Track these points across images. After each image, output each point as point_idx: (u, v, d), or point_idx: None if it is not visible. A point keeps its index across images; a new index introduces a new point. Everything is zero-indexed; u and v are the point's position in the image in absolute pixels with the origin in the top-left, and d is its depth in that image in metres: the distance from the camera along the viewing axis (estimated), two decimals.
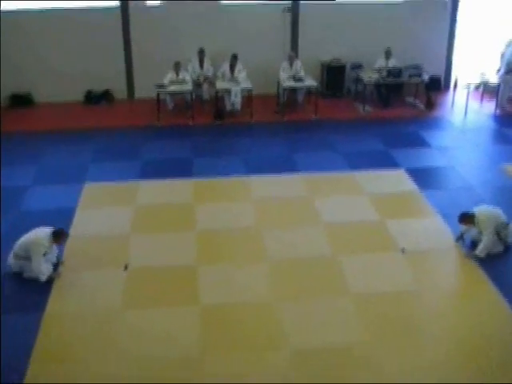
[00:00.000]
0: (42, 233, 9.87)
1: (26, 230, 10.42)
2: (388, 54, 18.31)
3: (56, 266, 9.99)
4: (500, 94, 17.80)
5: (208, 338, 8.43)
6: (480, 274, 9.82)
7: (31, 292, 9.45)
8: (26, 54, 18.07)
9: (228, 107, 17.45)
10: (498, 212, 10.50)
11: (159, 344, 8.34)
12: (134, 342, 8.38)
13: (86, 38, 18.19)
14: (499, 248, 10.40)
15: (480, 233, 10.36)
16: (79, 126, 16.81)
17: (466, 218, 10.40)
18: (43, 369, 7.88)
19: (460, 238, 10.68)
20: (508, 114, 17.68)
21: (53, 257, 10.10)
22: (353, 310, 9.01)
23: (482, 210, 10.45)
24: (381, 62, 18.33)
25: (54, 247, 10.13)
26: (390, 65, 18.16)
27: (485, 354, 8.13)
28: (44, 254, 9.72)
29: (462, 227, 10.63)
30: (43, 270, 9.63)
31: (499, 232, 10.36)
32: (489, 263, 10.09)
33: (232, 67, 17.74)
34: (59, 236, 9.95)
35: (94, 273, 10.00)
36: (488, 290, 9.44)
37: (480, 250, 10.19)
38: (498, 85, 17.78)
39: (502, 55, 18.43)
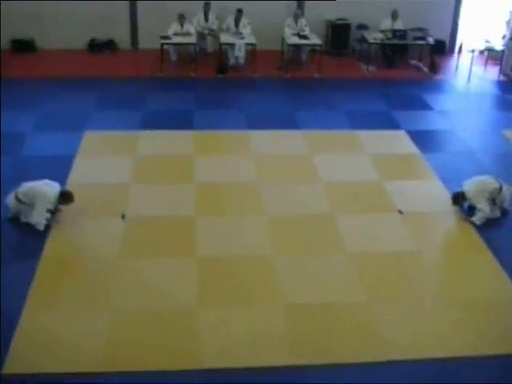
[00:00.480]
0: (52, 189, 9.79)
1: (26, 175, 10.46)
2: (394, 16, 18.17)
3: (54, 212, 10.00)
4: (504, 60, 17.73)
5: (204, 290, 8.46)
6: (476, 238, 9.86)
7: (28, 237, 9.48)
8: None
9: (231, 61, 17.39)
10: (487, 181, 10.49)
11: (154, 294, 8.37)
12: (129, 292, 8.40)
13: None
14: (496, 213, 10.43)
15: (475, 204, 10.38)
16: (82, 73, 16.73)
17: (458, 197, 10.44)
18: (36, 317, 7.87)
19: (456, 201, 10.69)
20: (511, 80, 17.61)
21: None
22: (349, 269, 9.05)
23: (469, 186, 10.40)
24: (387, 23, 18.21)
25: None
26: (395, 27, 18.04)
27: (480, 315, 8.20)
28: (47, 210, 9.74)
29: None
30: (43, 220, 9.66)
31: (494, 199, 10.39)
32: (485, 228, 10.12)
33: (237, 21, 17.63)
34: (66, 198, 9.92)
35: (91, 221, 10.01)
36: (483, 254, 9.49)
37: (477, 218, 10.22)
38: (503, 51, 17.70)
39: (508, 22, 18.36)
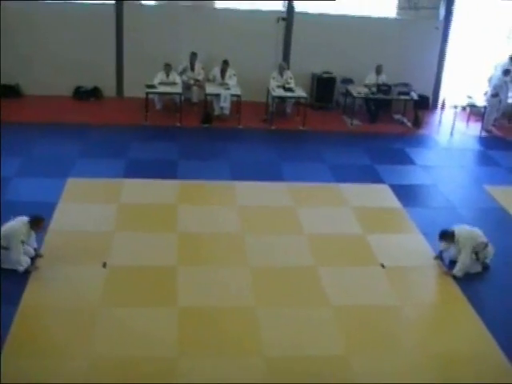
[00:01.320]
0: (20, 221, 9.81)
1: (5, 220, 10.37)
2: (379, 70, 18.40)
3: (34, 258, 9.93)
4: (486, 116, 17.94)
5: (184, 340, 8.41)
6: (457, 292, 9.90)
7: (7, 284, 9.36)
8: (16, 44, 17.94)
9: (217, 111, 17.47)
10: (477, 233, 10.57)
11: (134, 343, 8.31)
12: (109, 341, 8.34)
13: (79, 34, 18.12)
14: (477, 268, 10.48)
15: (459, 251, 10.43)
16: (66, 120, 16.72)
17: (446, 235, 10.49)
18: (14, 364, 7.79)
19: (439, 256, 10.76)
20: (493, 137, 17.83)
21: (31, 248, 10.04)
22: (330, 322, 9.03)
23: (461, 229, 10.52)
24: (371, 78, 18.42)
25: (33, 236, 10.07)
26: (380, 81, 18.25)
27: (460, 369, 8.26)
28: (22, 242, 9.66)
29: (442, 245, 10.71)
30: (22, 260, 9.59)
31: (478, 252, 10.45)
32: (466, 282, 10.18)
33: (223, 72, 17.79)
34: (36, 222, 9.89)
35: (73, 268, 9.94)
36: (464, 308, 9.52)
37: (457, 270, 10.27)
38: (485, 107, 17.93)
39: (490, 79, 18.65)
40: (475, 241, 10.41)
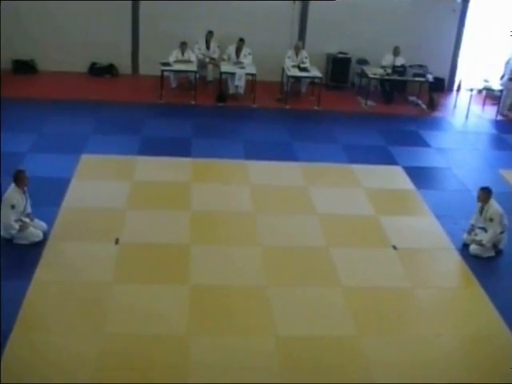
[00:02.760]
0: (11, 187, 9.85)
1: None
2: (396, 52, 18.28)
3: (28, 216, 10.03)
4: (502, 100, 17.84)
5: (195, 318, 8.44)
6: (469, 275, 9.89)
7: (20, 260, 9.45)
8: (32, 20, 17.97)
9: (231, 90, 17.44)
10: (504, 216, 10.60)
11: (145, 321, 8.34)
12: (120, 318, 8.38)
13: (95, 10, 18.09)
14: (490, 253, 10.46)
15: (487, 221, 10.47)
16: (82, 96, 16.76)
17: (486, 192, 10.51)
18: (27, 336, 7.86)
19: (471, 230, 10.77)
20: (508, 121, 17.72)
21: (43, 223, 10.11)
22: (341, 303, 9.04)
23: (495, 203, 10.57)
24: (388, 59, 18.31)
25: (28, 201, 10.04)
26: (397, 62, 18.13)
27: (470, 350, 8.27)
28: (13, 206, 9.68)
29: (472, 219, 10.77)
30: (13, 224, 9.64)
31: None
32: (478, 265, 10.17)
33: (238, 51, 17.73)
34: (18, 178, 9.85)
35: (85, 245, 10.00)
36: (476, 291, 9.51)
37: (487, 240, 10.34)
38: (501, 91, 17.82)
39: (507, 62, 18.48)
40: (503, 218, 10.46)
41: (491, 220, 10.39)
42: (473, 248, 10.43)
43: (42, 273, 9.14)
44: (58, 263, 9.48)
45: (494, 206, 10.47)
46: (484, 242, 10.34)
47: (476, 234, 10.62)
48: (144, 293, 8.91)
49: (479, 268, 10.10)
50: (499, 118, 17.78)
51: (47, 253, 9.63)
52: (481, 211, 10.62)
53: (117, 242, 10.04)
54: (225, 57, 17.88)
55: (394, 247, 10.51)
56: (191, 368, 7.57)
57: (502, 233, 10.54)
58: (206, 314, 8.55)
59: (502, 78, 18.23)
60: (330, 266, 9.89)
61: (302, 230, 10.93)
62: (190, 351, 7.86)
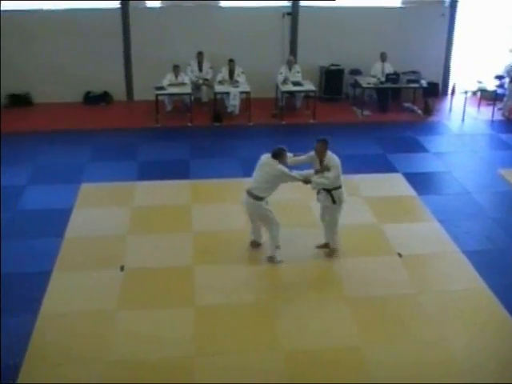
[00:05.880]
0: None
1: (22, 229, 10.44)
2: (383, 58, 18.31)
3: None
4: (505, 101, 17.97)
5: (201, 340, 8.43)
6: (477, 280, 9.85)
7: (26, 291, 9.44)
8: (25, 54, 18.06)
9: (229, 109, 17.43)
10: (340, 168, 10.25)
11: (152, 345, 8.33)
12: (128, 343, 8.39)
13: (86, 39, 18.18)
14: (326, 201, 10.31)
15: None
16: (77, 126, 16.78)
17: (322, 143, 10.36)
18: (36, 370, 7.87)
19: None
20: (505, 120, 17.73)
21: None
22: (347, 313, 9.02)
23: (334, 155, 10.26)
24: (377, 67, 18.34)
25: None
26: (386, 69, 18.17)
27: (477, 356, 8.19)
28: None
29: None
30: None
31: None
32: (486, 269, 10.12)
33: (231, 72, 17.75)
34: None
35: (90, 273, 9.99)
36: (484, 296, 9.47)
37: (327, 177, 10.04)
38: (495, 91, 17.90)
39: (508, 65, 18.57)
40: (339, 170, 10.15)
41: (329, 170, 10.05)
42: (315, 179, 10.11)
43: (49, 305, 9.13)
44: (63, 294, 9.45)
45: (332, 157, 10.14)
46: (325, 177, 10.01)
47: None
48: (149, 318, 8.91)
49: (486, 270, 10.07)
50: (496, 118, 17.75)
51: (53, 284, 9.62)
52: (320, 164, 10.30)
53: (122, 268, 10.04)
54: (219, 80, 17.83)
55: (399, 255, 10.48)
56: None
57: (339, 188, 10.24)
58: (213, 335, 8.55)
59: (500, 78, 18.30)
60: (334, 277, 9.91)
61: (304, 241, 10.91)
62: (197, 373, 7.86)
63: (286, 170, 10.04)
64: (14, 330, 8.50)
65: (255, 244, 10.72)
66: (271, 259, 10.26)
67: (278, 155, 10.11)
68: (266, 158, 10.27)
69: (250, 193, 10.10)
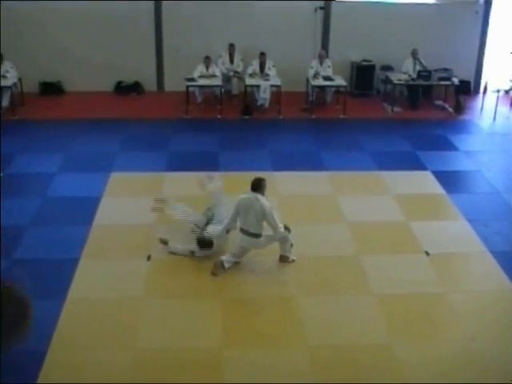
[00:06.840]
0: None
1: (52, 216, 10.53)
2: (414, 54, 18.18)
3: None
4: None
5: (228, 332, 8.46)
6: (505, 280, 9.77)
7: (53, 279, 9.55)
8: (58, 42, 18.18)
9: (260, 101, 17.43)
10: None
11: (179, 335, 8.39)
12: (153, 331, 8.45)
13: (118, 30, 18.29)
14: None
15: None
16: (109, 115, 16.87)
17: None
18: (62, 355, 7.96)
19: None
20: None
21: None
22: (375, 310, 9.00)
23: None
24: (408, 63, 18.23)
25: None
26: (417, 65, 18.07)
27: (507, 361, 8.13)
28: None
29: None
30: None
31: None
32: None
33: (262, 65, 17.74)
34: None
35: (117, 262, 10.08)
36: (511, 294, 9.40)
37: None
38: None
39: None
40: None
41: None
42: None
43: (76, 291, 9.22)
44: (90, 281, 9.54)
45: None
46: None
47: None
48: (176, 307, 8.98)
49: None
50: None
51: (80, 271, 9.71)
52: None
53: (149, 258, 10.10)
54: (250, 73, 17.83)
55: (427, 253, 10.43)
56: (225, 381, 7.58)
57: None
58: (239, 326, 8.57)
59: None
60: (361, 274, 9.85)
61: (331, 238, 10.91)
62: (223, 364, 7.88)
63: (271, 211, 9.78)
64: (40, 316, 8.56)
65: None
66: (285, 259, 10.16)
67: (259, 187, 9.80)
68: (247, 198, 9.84)
69: (247, 232, 9.81)
